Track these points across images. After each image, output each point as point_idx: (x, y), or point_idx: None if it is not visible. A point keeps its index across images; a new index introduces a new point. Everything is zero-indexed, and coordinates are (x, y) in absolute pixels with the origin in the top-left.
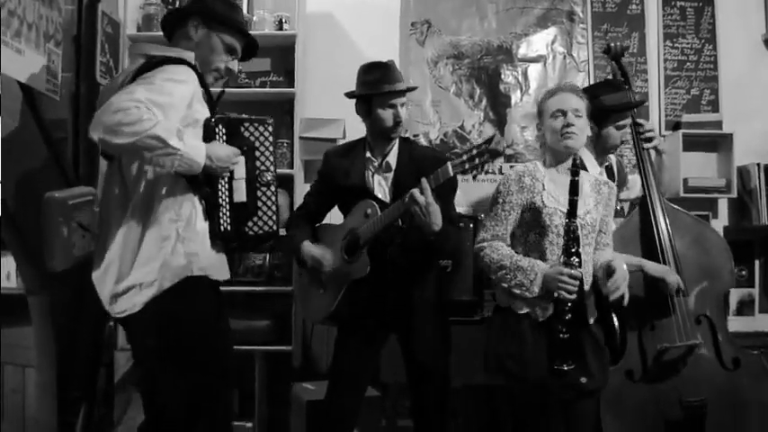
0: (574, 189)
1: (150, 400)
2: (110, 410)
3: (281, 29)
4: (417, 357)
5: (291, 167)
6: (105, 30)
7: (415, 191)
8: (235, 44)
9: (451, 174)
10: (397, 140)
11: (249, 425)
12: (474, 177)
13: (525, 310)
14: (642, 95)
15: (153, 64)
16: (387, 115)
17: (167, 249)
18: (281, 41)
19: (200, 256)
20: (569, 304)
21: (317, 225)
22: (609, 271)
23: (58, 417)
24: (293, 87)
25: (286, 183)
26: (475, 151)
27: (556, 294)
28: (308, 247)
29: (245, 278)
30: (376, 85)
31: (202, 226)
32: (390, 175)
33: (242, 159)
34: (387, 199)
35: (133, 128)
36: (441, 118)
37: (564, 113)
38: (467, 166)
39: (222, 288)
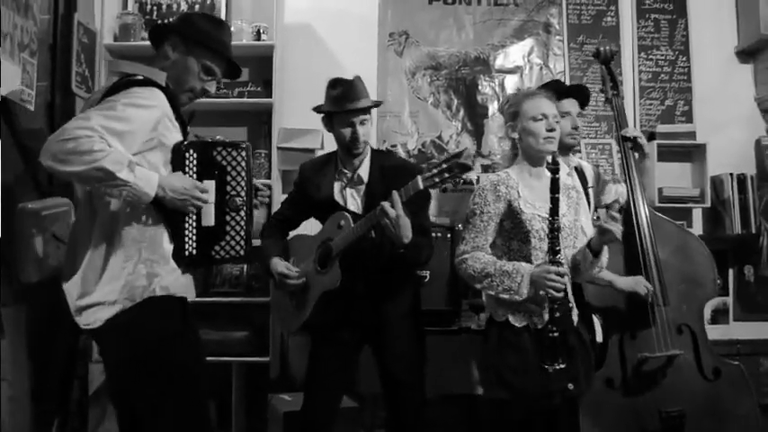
0: (555, 187)
1: (122, 412)
2: (84, 423)
3: (258, 39)
4: (391, 370)
5: (269, 178)
6: (81, 39)
7: (386, 204)
8: (213, 67)
9: (421, 187)
10: (369, 152)
11: None
12: (444, 191)
13: (524, 323)
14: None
15: (120, 85)
16: (345, 132)
17: (129, 269)
18: (259, 51)
19: (164, 277)
20: (558, 303)
21: (292, 236)
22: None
23: (32, 429)
24: (271, 98)
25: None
26: (445, 165)
27: (542, 292)
28: (276, 264)
29: (223, 289)
30: (336, 103)
31: (167, 247)
32: (362, 188)
33: (212, 184)
34: (359, 211)
35: (82, 158)
36: (419, 128)
37: (546, 117)
38: (437, 179)
39: (199, 299)
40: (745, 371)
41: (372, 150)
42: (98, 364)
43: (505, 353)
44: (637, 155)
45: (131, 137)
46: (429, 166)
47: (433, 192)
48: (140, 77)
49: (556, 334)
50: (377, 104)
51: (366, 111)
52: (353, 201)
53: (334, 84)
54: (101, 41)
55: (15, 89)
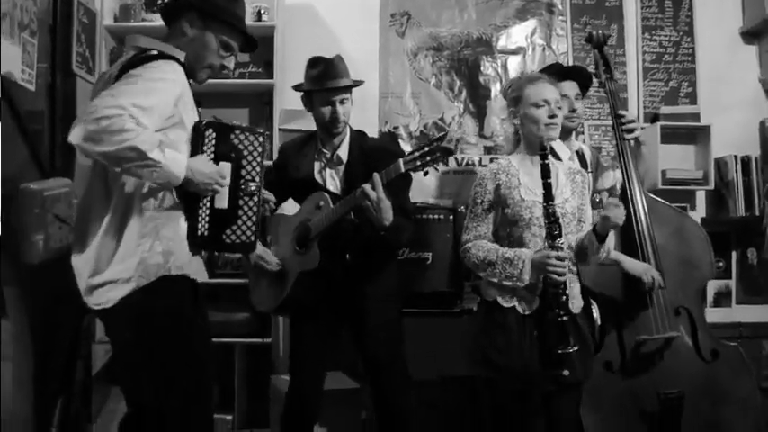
0: (545, 173)
1: (131, 393)
2: (87, 404)
3: (259, 20)
4: (373, 353)
5: (271, 159)
6: (81, 20)
7: (367, 186)
8: (231, 42)
9: (402, 170)
10: (349, 133)
11: (229, 417)
12: (425, 174)
13: (512, 304)
14: (620, 87)
15: (140, 59)
16: (325, 111)
17: (145, 247)
18: (260, 32)
19: (178, 255)
20: (562, 286)
21: (270, 215)
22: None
23: (35, 410)
24: (272, 79)
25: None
26: (427, 148)
27: (542, 277)
28: None
29: (225, 271)
30: (316, 81)
31: (182, 226)
32: (342, 168)
33: (228, 166)
34: (338, 192)
35: (114, 137)
36: (420, 110)
37: (548, 103)
38: (418, 162)
39: (201, 281)
40: (745, 353)
41: (352, 131)
42: (101, 345)
43: (492, 332)
44: (632, 141)
45: (156, 112)
46: (411, 150)
47: (435, 173)
48: (162, 52)
49: (565, 318)
50: (357, 84)
51: (347, 90)
52: (333, 181)
53: (314, 62)
54: (101, 22)
55: (15, 69)
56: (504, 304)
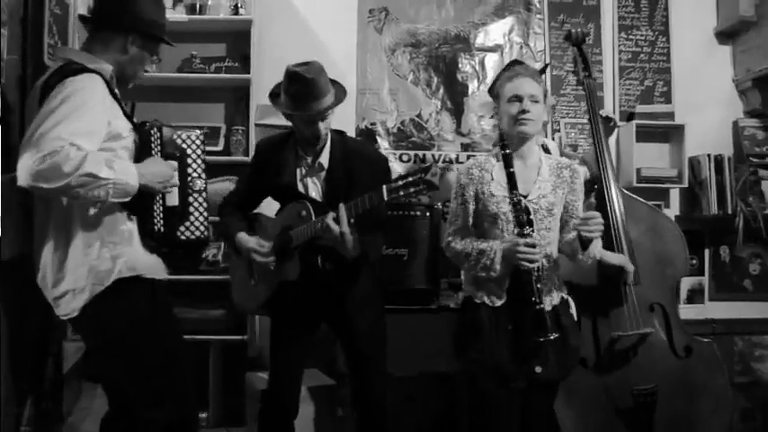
0: (508, 162)
1: (108, 393)
2: (58, 402)
3: (236, 14)
4: (358, 346)
5: (247, 155)
6: (53, 11)
7: (330, 220)
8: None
9: (386, 198)
10: (329, 136)
11: (204, 415)
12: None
13: (482, 299)
14: (597, 86)
15: (54, 81)
16: (306, 130)
17: (93, 255)
18: (236, 26)
19: (128, 257)
20: (536, 273)
21: (253, 213)
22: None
23: (4, 408)
24: (249, 73)
25: (241, 170)
26: (411, 179)
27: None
28: (245, 239)
29: (200, 267)
30: (296, 102)
31: (127, 227)
32: (323, 175)
33: (175, 165)
34: (320, 198)
35: (64, 169)
36: (398, 106)
37: (520, 99)
38: (401, 192)
39: (176, 277)
40: (718, 349)
41: (332, 133)
42: (72, 343)
43: (468, 328)
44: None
45: (94, 132)
46: (395, 178)
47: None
48: (75, 66)
49: (542, 305)
50: (338, 102)
51: (325, 112)
52: (315, 187)
53: (292, 78)
54: (74, 13)
55: None
56: (476, 300)
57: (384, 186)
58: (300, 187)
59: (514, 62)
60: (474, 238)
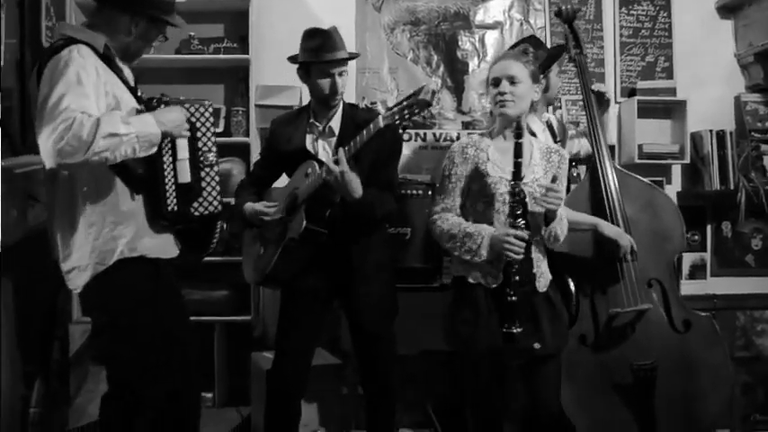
0: (518, 152)
1: (109, 371)
2: (65, 385)
3: None
4: (363, 322)
5: (247, 135)
6: None
7: (330, 162)
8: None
9: (382, 125)
10: (341, 105)
11: (209, 395)
12: (404, 129)
13: (478, 280)
14: (598, 62)
15: (51, 54)
16: (324, 84)
17: (94, 234)
18: (234, 6)
19: (131, 238)
20: (517, 266)
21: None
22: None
23: (12, 390)
24: (248, 54)
25: (242, 151)
26: (405, 102)
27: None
28: (252, 205)
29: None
30: (314, 53)
31: (129, 207)
32: (334, 140)
33: (185, 140)
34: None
35: (83, 138)
36: (398, 85)
37: (497, 81)
38: (396, 117)
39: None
40: (720, 324)
41: (344, 104)
42: (78, 325)
43: (460, 306)
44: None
45: (93, 97)
46: (390, 106)
47: (414, 148)
48: (61, 42)
49: (514, 298)
50: (354, 56)
51: (345, 62)
52: (324, 152)
53: (312, 34)
54: None
55: None
56: (471, 280)
57: (379, 115)
58: (311, 149)
59: (530, 38)
60: (461, 219)
